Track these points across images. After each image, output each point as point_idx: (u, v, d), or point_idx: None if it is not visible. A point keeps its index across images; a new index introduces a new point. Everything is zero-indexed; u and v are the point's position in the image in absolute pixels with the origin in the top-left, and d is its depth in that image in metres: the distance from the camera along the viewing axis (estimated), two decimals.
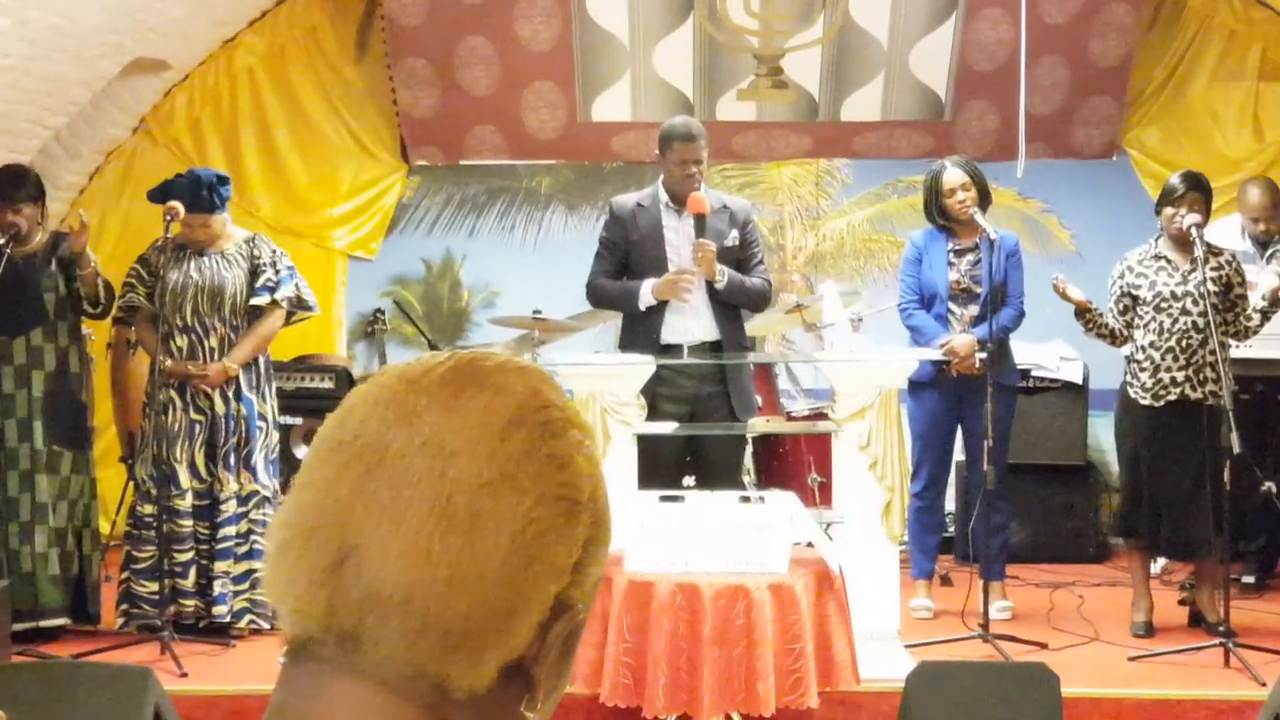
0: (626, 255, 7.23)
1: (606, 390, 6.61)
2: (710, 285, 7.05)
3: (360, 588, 1.17)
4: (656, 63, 10.08)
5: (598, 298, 7.35)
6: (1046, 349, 9.24)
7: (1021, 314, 7.70)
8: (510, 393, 1.24)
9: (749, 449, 8.19)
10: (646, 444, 6.69)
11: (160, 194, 7.34)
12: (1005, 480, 7.49)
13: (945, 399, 7.67)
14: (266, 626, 7.37)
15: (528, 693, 1.24)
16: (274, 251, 7.59)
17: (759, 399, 7.99)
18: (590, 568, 1.26)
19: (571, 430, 1.26)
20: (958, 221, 7.64)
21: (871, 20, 9.85)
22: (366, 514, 1.18)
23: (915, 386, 7.57)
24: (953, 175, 7.65)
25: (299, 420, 9.27)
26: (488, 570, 1.17)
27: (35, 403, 7.37)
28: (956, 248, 7.71)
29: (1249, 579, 8.44)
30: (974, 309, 7.63)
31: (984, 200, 7.64)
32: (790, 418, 8.65)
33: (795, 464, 8.42)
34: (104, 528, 8.04)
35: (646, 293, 7.04)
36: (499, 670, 1.20)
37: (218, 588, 7.26)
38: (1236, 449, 6.59)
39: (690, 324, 7.11)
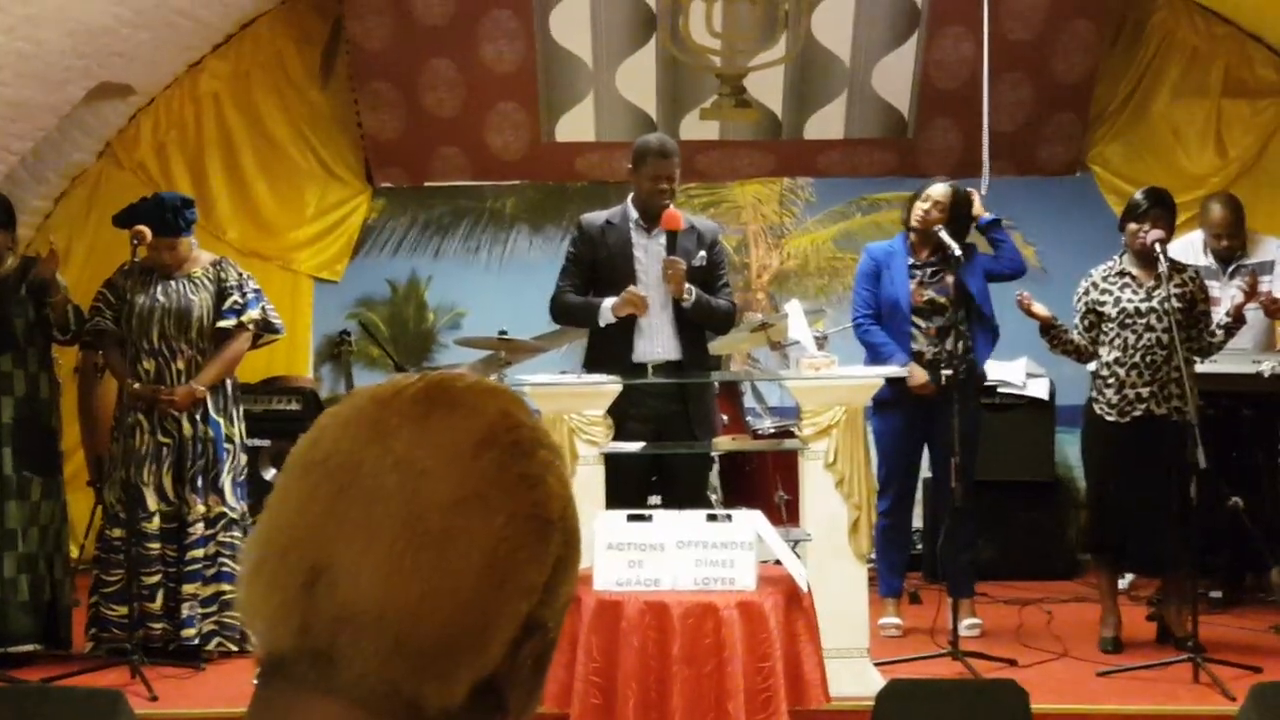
0: (593, 272, 7.24)
1: (573, 410, 6.62)
2: (677, 305, 7.07)
3: (333, 606, 1.18)
4: (619, 83, 10.10)
5: (560, 311, 7.36)
6: (1013, 366, 9.27)
7: (997, 332, 7.77)
8: (481, 413, 1.25)
9: (715, 467, 8.20)
10: (613, 463, 6.70)
11: (125, 218, 7.33)
12: (973, 497, 7.52)
13: (910, 416, 7.69)
14: (235, 649, 7.36)
15: (499, 711, 1.24)
16: (240, 274, 7.59)
17: (724, 418, 8.00)
18: (561, 587, 1.28)
19: (542, 450, 1.27)
20: (916, 230, 7.68)
21: (833, 39, 9.89)
22: (339, 533, 1.19)
23: (880, 405, 7.59)
24: (936, 188, 7.72)
25: (267, 442, 9.24)
26: (460, 588, 1.18)
27: (4, 429, 7.34)
28: (916, 262, 7.74)
29: (1216, 594, 8.47)
30: (939, 321, 7.66)
31: (953, 228, 7.61)
32: (756, 436, 8.67)
33: (761, 482, 8.44)
34: (72, 552, 8.01)
35: (607, 310, 7.06)
36: (471, 688, 1.20)
37: (186, 610, 7.24)
38: (1203, 464, 6.63)
39: (656, 344, 7.13)
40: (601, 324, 7.09)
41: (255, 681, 1.24)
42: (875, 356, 7.69)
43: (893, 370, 7.27)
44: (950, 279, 7.54)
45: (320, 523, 1.20)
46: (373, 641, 1.17)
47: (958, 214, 7.71)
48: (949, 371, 7.41)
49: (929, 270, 7.72)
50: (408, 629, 1.17)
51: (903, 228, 7.89)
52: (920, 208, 7.67)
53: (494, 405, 1.27)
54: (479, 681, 1.21)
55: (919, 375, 7.57)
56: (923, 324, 7.70)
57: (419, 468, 1.20)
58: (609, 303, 7.05)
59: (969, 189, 7.96)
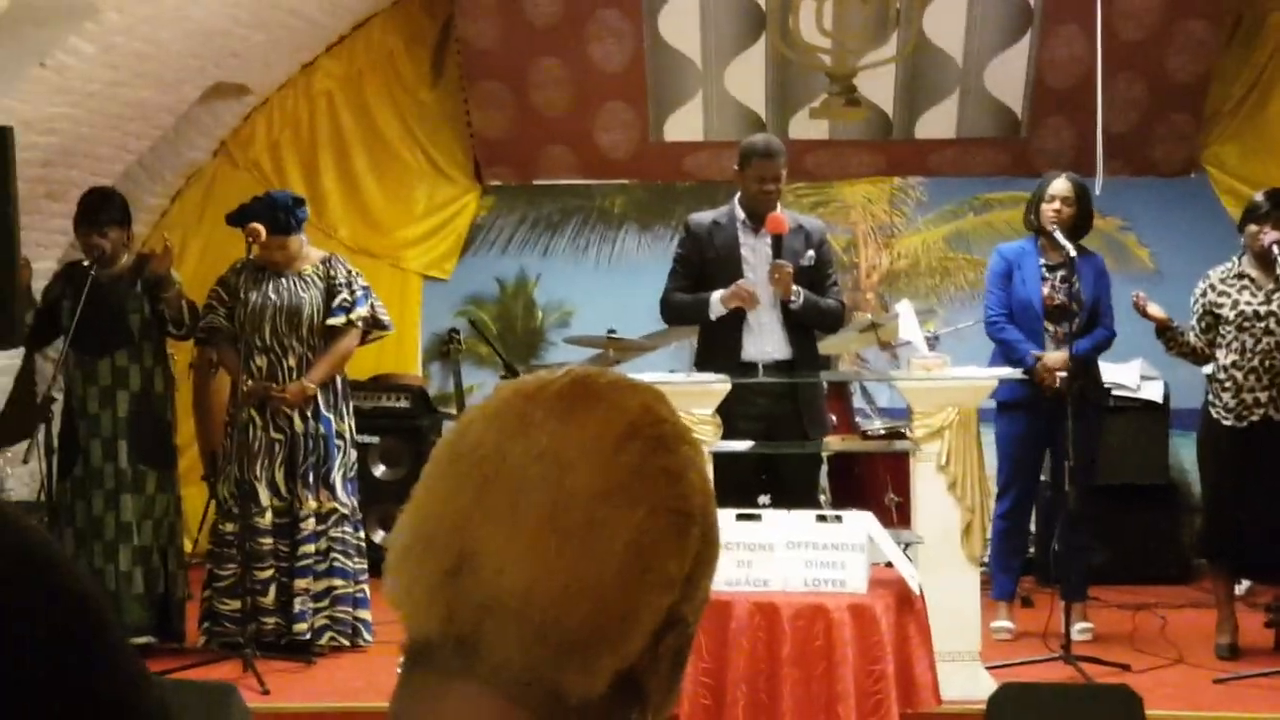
0: (701, 272, 7.24)
1: (682, 409, 6.60)
2: (785, 305, 7.06)
3: (478, 593, 1.19)
4: (728, 82, 10.09)
5: (671, 311, 7.38)
6: (1127, 368, 9.16)
7: (1113, 334, 7.68)
8: (624, 408, 1.26)
9: (824, 468, 8.16)
10: (722, 462, 6.69)
11: (237, 217, 7.43)
12: (1090, 501, 7.46)
13: (1035, 419, 7.58)
14: (346, 644, 7.42)
15: (639, 703, 1.25)
16: (349, 272, 7.65)
17: (833, 418, 7.96)
18: (701, 581, 1.29)
19: (683, 446, 1.29)
20: (1045, 233, 7.58)
21: (946, 38, 9.82)
22: (485, 522, 1.20)
23: (1005, 407, 7.56)
24: (1059, 185, 7.61)
25: (376, 439, 9.33)
26: (603, 578, 1.20)
27: (120, 423, 7.45)
28: (1049, 263, 7.65)
29: None
30: (1067, 325, 7.56)
31: (1083, 223, 7.58)
32: (865, 437, 8.62)
33: (870, 483, 8.39)
34: (186, 546, 8.11)
35: (716, 302, 7.06)
36: (612, 679, 1.21)
37: (298, 605, 7.31)
38: None
39: (765, 343, 7.12)
40: (712, 316, 7.10)
41: (399, 668, 1.25)
42: (1008, 355, 7.60)
43: (1006, 371, 7.20)
44: (1079, 284, 7.47)
45: (466, 512, 1.21)
46: (516, 629, 1.19)
47: (1083, 206, 7.63)
48: (1063, 374, 7.32)
49: (1059, 274, 7.61)
50: (551, 618, 1.18)
51: (1029, 231, 7.78)
52: (1049, 208, 7.56)
53: (636, 400, 1.28)
54: (620, 673, 1.22)
55: (1054, 359, 7.43)
56: (1051, 328, 7.61)
57: (563, 460, 1.21)
58: (718, 294, 7.05)
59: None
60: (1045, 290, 7.63)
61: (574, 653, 1.19)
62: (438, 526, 1.23)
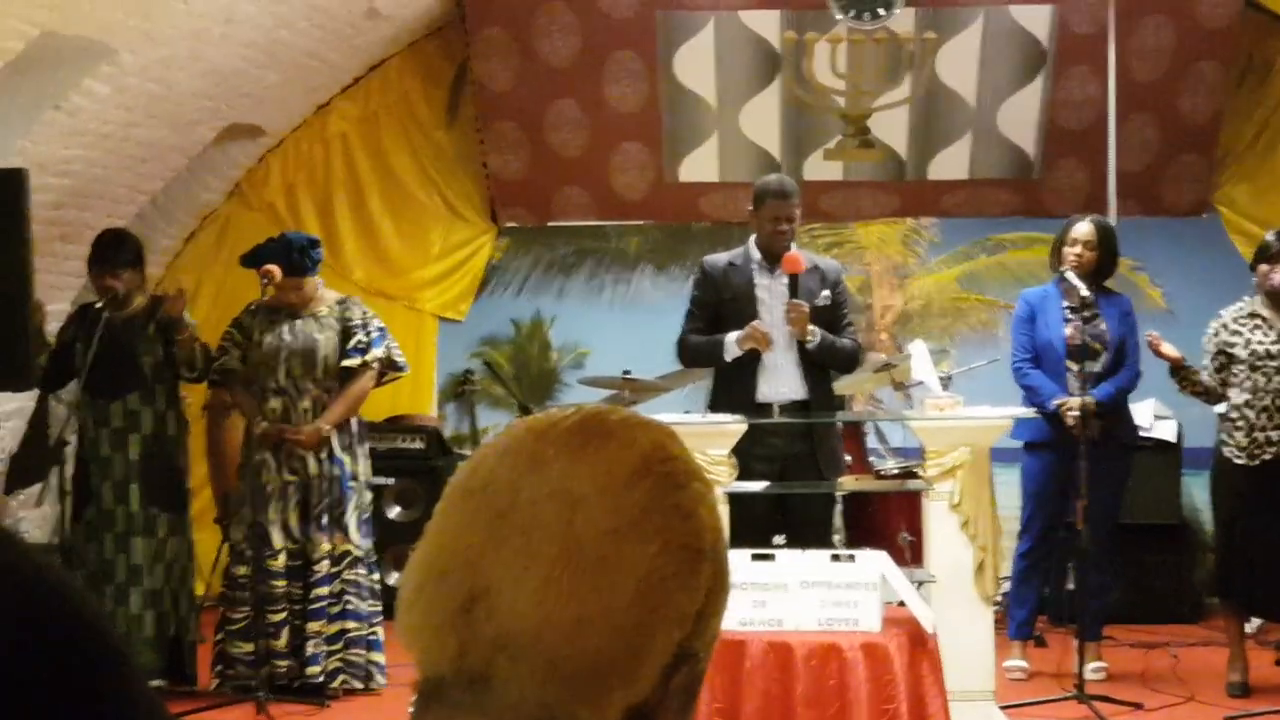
0: (717, 314, 7.24)
1: (697, 450, 6.60)
2: (801, 345, 7.06)
3: (491, 629, 1.19)
4: (743, 123, 10.12)
5: (687, 353, 7.37)
6: (1140, 407, 9.14)
7: (1138, 374, 7.67)
8: (635, 445, 1.26)
9: (839, 507, 8.15)
10: (737, 503, 6.68)
11: (251, 259, 7.44)
12: (1110, 543, 7.46)
13: (1062, 460, 7.55)
14: (359, 686, 7.41)
15: None
16: (365, 313, 7.66)
17: (848, 458, 7.96)
18: (711, 618, 1.29)
19: (694, 483, 1.28)
20: (1066, 275, 7.58)
21: (959, 79, 9.86)
22: (497, 558, 1.21)
23: (1031, 446, 7.57)
24: (1081, 229, 7.63)
25: (391, 480, 9.33)
26: (614, 613, 1.20)
27: (132, 465, 7.46)
28: (1071, 305, 7.64)
29: None
30: (1093, 365, 7.55)
31: (1107, 265, 7.61)
32: (879, 476, 8.62)
33: (884, 523, 8.39)
34: (199, 589, 8.11)
35: (731, 344, 7.06)
36: (623, 715, 1.21)
37: (310, 648, 7.30)
38: None
39: (780, 384, 7.11)
40: (727, 358, 7.10)
41: (411, 708, 1.25)
42: (1032, 400, 7.61)
43: (1018, 410, 7.20)
44: (1104, 325, 7.48)
45: (478, 548, 1.22)
46: (528, 666, 1.19)
47: (1107, 249, 7.63)
48: (1077, 413, 7.31)
49: (1081, 315, 7.60)
50: (563, 653, 1.19)
51: (1054, 272, 7.79)
52: (1071, 252, 7.57)
53: (647, 438, 1.28)
54: (631, 708, 1.22)
55: (1075, 403, 7.42)
56: (1074, 367, 7.60)
57: (575, 496, 1.22)
58: (733, 336, 7.05)
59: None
60: (1068, 331, 7.62)
61: (585, 689, 1.19)
62: (450, 563, 1.23)
